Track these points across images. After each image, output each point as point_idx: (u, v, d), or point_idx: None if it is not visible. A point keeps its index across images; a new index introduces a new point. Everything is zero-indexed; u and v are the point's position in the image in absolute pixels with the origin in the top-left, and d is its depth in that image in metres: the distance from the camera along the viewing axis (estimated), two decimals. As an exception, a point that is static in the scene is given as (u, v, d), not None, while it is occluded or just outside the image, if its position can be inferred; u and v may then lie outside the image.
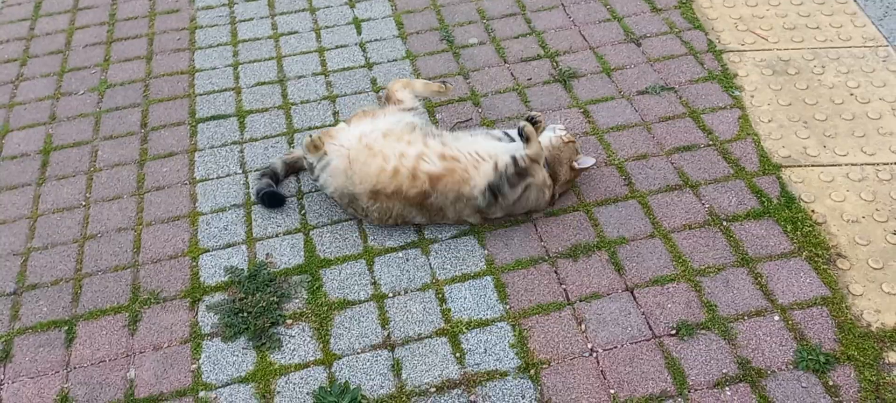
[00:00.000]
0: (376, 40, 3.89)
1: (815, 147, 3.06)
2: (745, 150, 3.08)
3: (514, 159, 2.73)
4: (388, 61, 3.75)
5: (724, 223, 2.81)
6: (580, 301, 2.61)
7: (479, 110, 3.42)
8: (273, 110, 3.52)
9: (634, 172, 3.03)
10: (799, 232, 2.75)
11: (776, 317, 2.50)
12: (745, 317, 2.51)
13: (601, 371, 2.41)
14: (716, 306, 2.55)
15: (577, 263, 2.72)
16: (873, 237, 2.71)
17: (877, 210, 2.80)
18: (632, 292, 2.62)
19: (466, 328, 2.56)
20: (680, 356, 2.42)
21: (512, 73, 3.60)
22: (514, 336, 2.52)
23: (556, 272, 2.70)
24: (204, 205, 3.09)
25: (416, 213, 2.83)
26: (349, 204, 2.86)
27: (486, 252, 2.79)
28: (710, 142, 3.14)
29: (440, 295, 2.66)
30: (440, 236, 2.87)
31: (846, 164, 2.98)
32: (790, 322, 2.49)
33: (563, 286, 2.66)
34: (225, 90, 3.65)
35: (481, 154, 2.76)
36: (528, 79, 3.55)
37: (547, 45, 3.73)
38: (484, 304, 2.61)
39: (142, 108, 3.58)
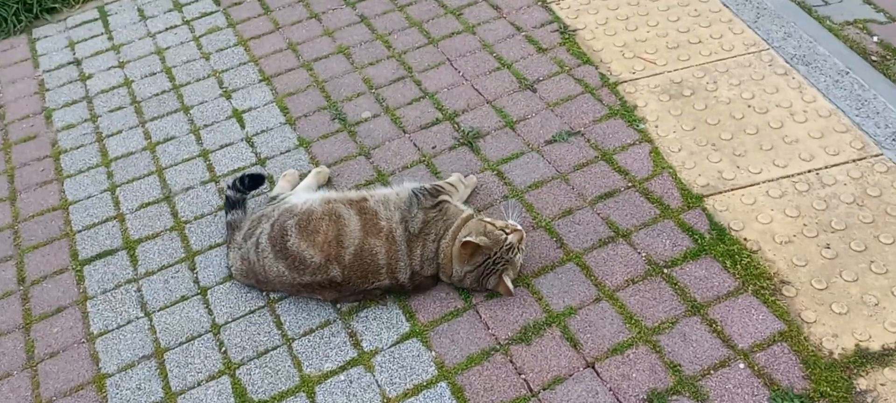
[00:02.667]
0: (263, 132, 3.59)
1: (730, 169, 2.99)
2: (664, 186, 2.99)
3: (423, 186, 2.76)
4: (281, 153, 3.46)
5: (665, 270, 2.70)
6: (544, 390, 2.43)
7: None
8: (165, 234, 3.16)
9: (564, 231, 2.88)
10: (739, 266, 2.67)
11: (741, 365, 2.40)
12: (712, 372, 2.40)
13: (585, 467, 2.22)
14: (680, 366, 2.42)
15: (530, 347, 2.54)
16: (809, 255, 2.66)
17: (804, 225, 2.76)
18: (593, 367, 2.46)
19: (433, 448, 2.32)
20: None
21: (414, 144, 3.39)
22: (486, 446, 2.30)
23: (511, 362, 2.51)
24: (108, 365, 2.72)
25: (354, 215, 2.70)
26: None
27: (433, 354, 2.57)
28: (630, 184, 3.03)
29: (396, 416, 2.41)
30: (380, 344, 2.62)
31: (763, 182, 2.94)
32: (756, 367, 2.39)
33: (523, 376, 2.47)
34: (106, 220, 3.27)
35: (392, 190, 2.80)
36: (433, 148, 3.34)
37: (443, 106, 3.53)
38: (445, 416, 2.39)
39: (15, 261, 3.13)
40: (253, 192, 3.03)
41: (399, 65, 3.82)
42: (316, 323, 2.74)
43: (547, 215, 2.96)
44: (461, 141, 3.36)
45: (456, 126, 3.43)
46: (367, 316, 2.72)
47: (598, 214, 2.93)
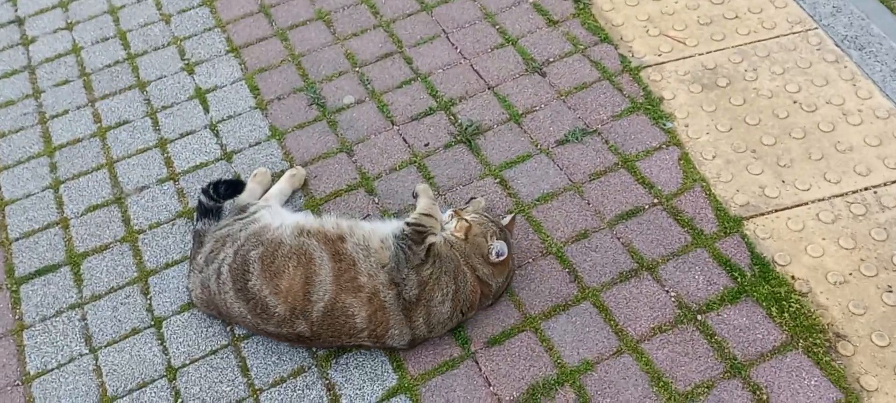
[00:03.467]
0: (230, 117, 3.14)
1: (773, 183, 2.58)
2: (696, 204, 2.58)
3: (406, 222, 2.36)
4: (251, 146, 3.02)
5: (698, 317, 2.32)
6: (555, 470, 2.05)
7: (375, 199, 2.76)
8: (115, 246, 2.75)
9: (578, 259, 2.48)
10: (786, 314, 2.28)
11: (791, 448, 2.03)
12: None
13: None
14: (718, 445, 2.05)
15: (540, 413, 2.16)
16: (868, 301, 2.28)
17: (862, 261, 2.37)
18: (614, 443, 2.08)
19: None
20: None
21: (404, 139, 2.95)
22: None
23: (517, 432, 2.13)
24: (48, 415, 2.33)
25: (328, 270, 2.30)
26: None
27: (425, 418, 2.19)
28: (655, 200, 2.61)
29: None
30: (362, 401, 2.30)
31: (813, 202, 2.54)
32: (808, 450, 2.02)
33: (531, 450, 2.09)
34: (48, 227, 2.85)
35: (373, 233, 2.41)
36: (426, 145, 2.91)
37: (438, 91, 3.08)
38: None
39: (-59, 278, 2.73)
40: (229, 202, 2.59)
41: (387, 37, 3.35)
42: (287, 370, 2.37)
43: (558, 238, 2.56)
44: (458, 137, 2.92)
45: (452, 118, 2.98)
46: (347, 364, 2.35)
47: (619, 239, 2.52)
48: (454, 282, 2.25)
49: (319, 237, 2.33)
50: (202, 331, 2.50)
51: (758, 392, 2.17)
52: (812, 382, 2.18)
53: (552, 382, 2.25)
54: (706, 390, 2.19)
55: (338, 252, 2.29)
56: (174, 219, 2.83)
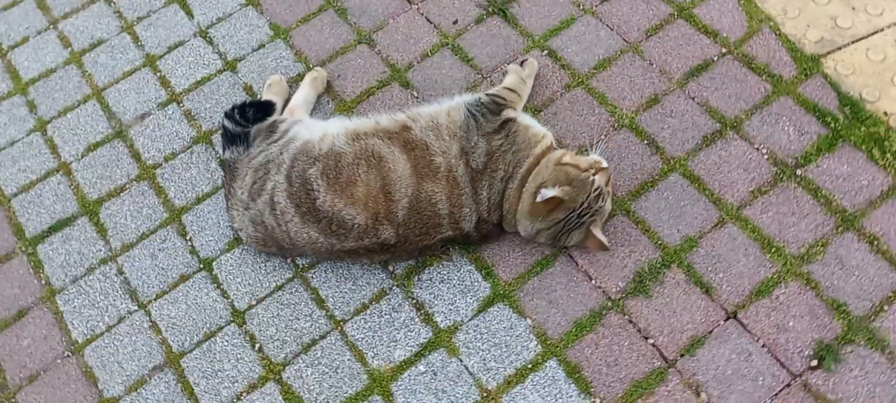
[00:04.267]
0: (220, 20, 2.84)
1: (844, 13, 2.46)
2: (768, 48, 2.44)
3: (485, 93, 2.27)
4: (253, 50, 2.75)
5: (797, 172, 2.22)
6: (682, 356, 2.00)
7: (413, 93, 2.55)
8: (132, 186, 2.49)
9: (654, 128, 2.35)
10: (889, 155, 2.23)
11: (921, 293, 2.00)
12: (887, 307, 1.99)
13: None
14: (845, 304, 2.02)
15: (651, 300, 2.09)
16: (967, 127, 2.21)
17: (952, 84, 2.28)
18: (737, 318, 2.03)
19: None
20: (837, 396, 1.90)
21: (426, 18, 2.71)
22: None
23: (632, 323, 2.07)
24: (111, 386, 2.16)
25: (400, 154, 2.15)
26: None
27: (529, 323, 2.11)
28: (723, 49, 2.48)
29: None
30: (458, 317, 2.20)
31: (888, 27, 2.43)
32: (939, 292, 2.00)
33: (650, 340, 2.03)
34: (47, 175, 2.57)
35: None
36: (455, 23, 2.67)
37: None
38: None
39: (-61, 253, 2.45)
40: (259, 125, 2.34)
41: None
42: (367, 295, 2.21)
43: (628, 107, 2.40)
44: (489, 8, 2.68)
45: None
46: (431, 279, 2.20)
47: (693, 99, 2.38)
48: (513, 167, 2.11)
49: (380, 134, 2.15)
50: (260, 266, 2.31)
51: (875, 243, 2.11)
52: (930, 222, 2.12)
53: (657, 265, 2.15)
54: (821, 248, 2.12)
55: (407, 142, 2.14)
56: (191, 147, 2.57)
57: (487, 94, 2.24)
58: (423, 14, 2.73)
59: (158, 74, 2.74)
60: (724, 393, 1.96)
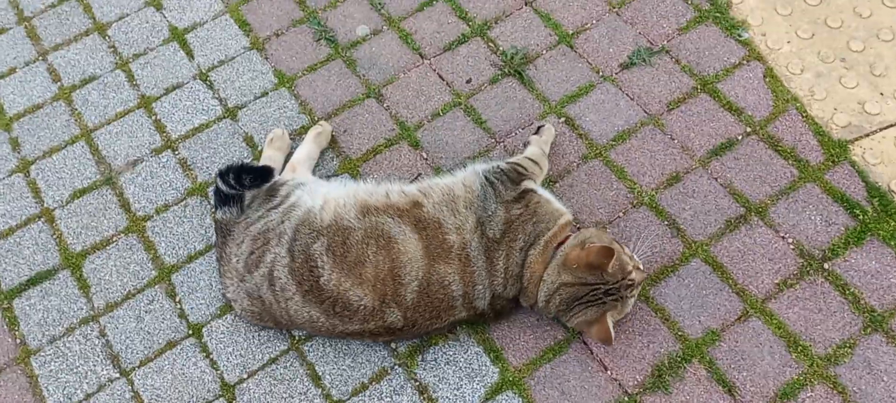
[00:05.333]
0: (222, 63, 2.75)
1: (872, 98, 2.43)
2: (794, 130, 2.41)
3: (506, 161, 2.24)
4: (256, 97, 2.67)
5: (824, 266, 2.16)
6: (702, 461, 1.92)
7: (423, 154, 2.48)
8: (119, 240, 2.39)
9: (675, 208, 2.29)
10: (919, 253, 2.15)
11: (956, 407, 1.94)
12: None
13: None
14: (875, 413, 1.95)
15: (671, 398, 2.02)
16: None
17: (984, 180, 2.24)
18: (761, 421, 1.96)
19: None
20: None
21: (440, 75, 2.65)
22: None
23: (650, 422, 1.97)
24: (91, 463, 2.05)
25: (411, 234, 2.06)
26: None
27: (542, 416, 2.01)
28: (748, 129, 2.43)
29: None
30: None
31: (918, 115, 2.37)
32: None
33: (670, 441, 1.94)
34: (28, 222, 2.48)
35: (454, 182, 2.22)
36: (469, 83, 2.60)
37: (467, 13, 2.78)
38: None
39: None
40: (255, 191, 2.25)
41: (394, -52, 2.94)
42: (367, 373, 2.13)
43: (647, 184, 2.34)
44: (504, 69, 2.63)
45: (492, 45, 2.68)
46: (436, 359, 2.12)
47: (716, 179, 2.33)
48: (535, 237, 2.06)
49: (391, 211, 2.07)
50: (253, 336, 2.22)
51: (906, 347, 2.05)
52: (961, 328, 2.07)
53: (678, 359, 2.08)
54: (848, 350, 2.06)
55: (419, 220, 2.07)
56: (184, 199, 2.48)
57: (507, 162, 2.21)
58: (435, 70, 2.67)
59: (153, 118, 2.66)
60: None
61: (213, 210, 2.29)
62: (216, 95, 2.68)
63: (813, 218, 2.26)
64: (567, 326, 2.10)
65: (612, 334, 1.99)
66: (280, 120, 2.57)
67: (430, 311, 2.03)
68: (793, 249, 2.22)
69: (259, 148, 2.51)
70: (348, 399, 2.12)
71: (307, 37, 2.78)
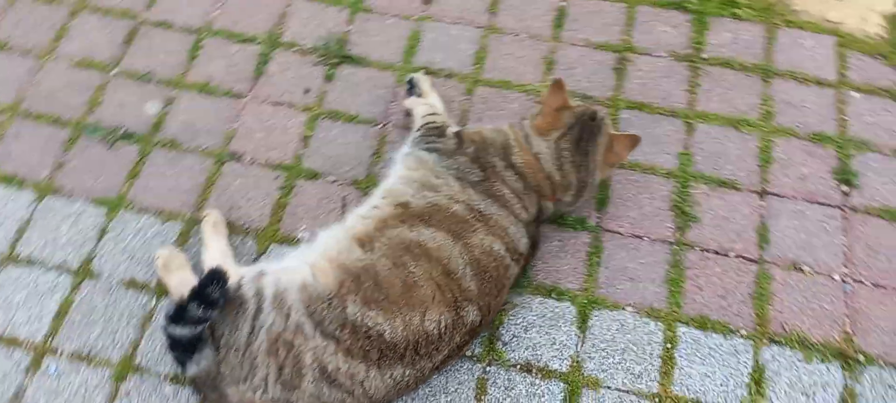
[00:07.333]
0: (25, 225, 2.23)
1: None
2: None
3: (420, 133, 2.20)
4: (97, 240, 2.23)
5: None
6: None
7: (327, 177, 2.35)
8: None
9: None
10: None
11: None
12: None
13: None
14: None
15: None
16: None
17: None
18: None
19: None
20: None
21: (275, 103, 2.49)
22: None
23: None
24: None
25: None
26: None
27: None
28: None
29: None
30: (570, 350, 2.07)
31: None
32: None
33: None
34: None
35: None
36: (307, 92, 2.50)
37: (243, 34, 2.59)
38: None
39: None
40: (209, 313, 1.87)
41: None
42: (470, 396, 2.01)
43: (534, 79, 2.49)
44: (331, 61, 2.59)
45: (297, 48, 2.58)
46: (514, 336, 2.08)
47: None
48: (505, 150, 2.11)
49: (391, 224, 1.96)
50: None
51: None
52: None
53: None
54: None
55: (418, 215, 1.97)
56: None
57: (420, 128, 2.20)
58: (265, 100, 2.46)
59: None
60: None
61: (182, 369, 1.89)
62: (48, 266, 2.14)
63: None
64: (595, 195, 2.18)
65: (627, 132, 2.15)
66: (145, 246, 2.18)
67: (494, 285, 1.95)
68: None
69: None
70: (475, 431, 1.95)
71: (97, 149, 2.34)
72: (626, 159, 2.20)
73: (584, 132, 2.08)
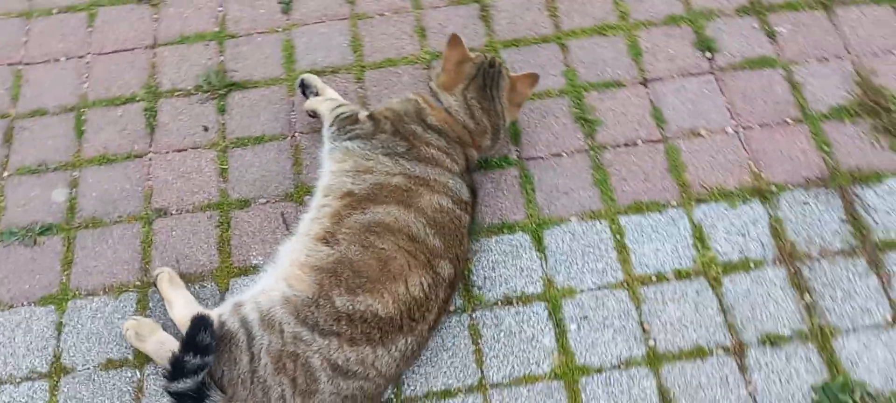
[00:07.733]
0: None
1: None
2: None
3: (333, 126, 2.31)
4: (50, 337, 2.24)
5: None
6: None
7: (259, 202, 2.44)
8: None
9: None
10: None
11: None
12: None
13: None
14: None
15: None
16: None
17: None
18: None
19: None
20: None
21: (178, 150, 2.54)
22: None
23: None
24: None
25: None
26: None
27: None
28: None
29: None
30: (544, 272, 2.26)
31: None
32: None
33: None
34: None
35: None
36: (207, 130, 2.56)
37: (124, 95, 2.62)
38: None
39: None
40: (206, 360, 1.91)
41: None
42: (465, 342, 2.18)
43: (426, 47, 2.68)
44: (220, 93, 2.63)
45: (181, 92, 2.62)
46: (486, 274, 2.28)
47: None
48: (418, 115, 2.27)
49: (346, 213, 2.08)
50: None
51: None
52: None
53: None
54: None
55: (367, 197, 2.09)
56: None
57: (331, 122, 2.29)
58: (167, 150, 2.49)
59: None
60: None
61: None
62: (21, 381, 2.11)
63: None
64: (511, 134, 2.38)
65: (525, 73, 2.32)
66: (110, 322, 2.19)
67: (454, 236, 2.09)
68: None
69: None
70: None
71: (20, 252, 2.31)
72: (528, 96, 2.36)
73: (486, 79, 2.25)
